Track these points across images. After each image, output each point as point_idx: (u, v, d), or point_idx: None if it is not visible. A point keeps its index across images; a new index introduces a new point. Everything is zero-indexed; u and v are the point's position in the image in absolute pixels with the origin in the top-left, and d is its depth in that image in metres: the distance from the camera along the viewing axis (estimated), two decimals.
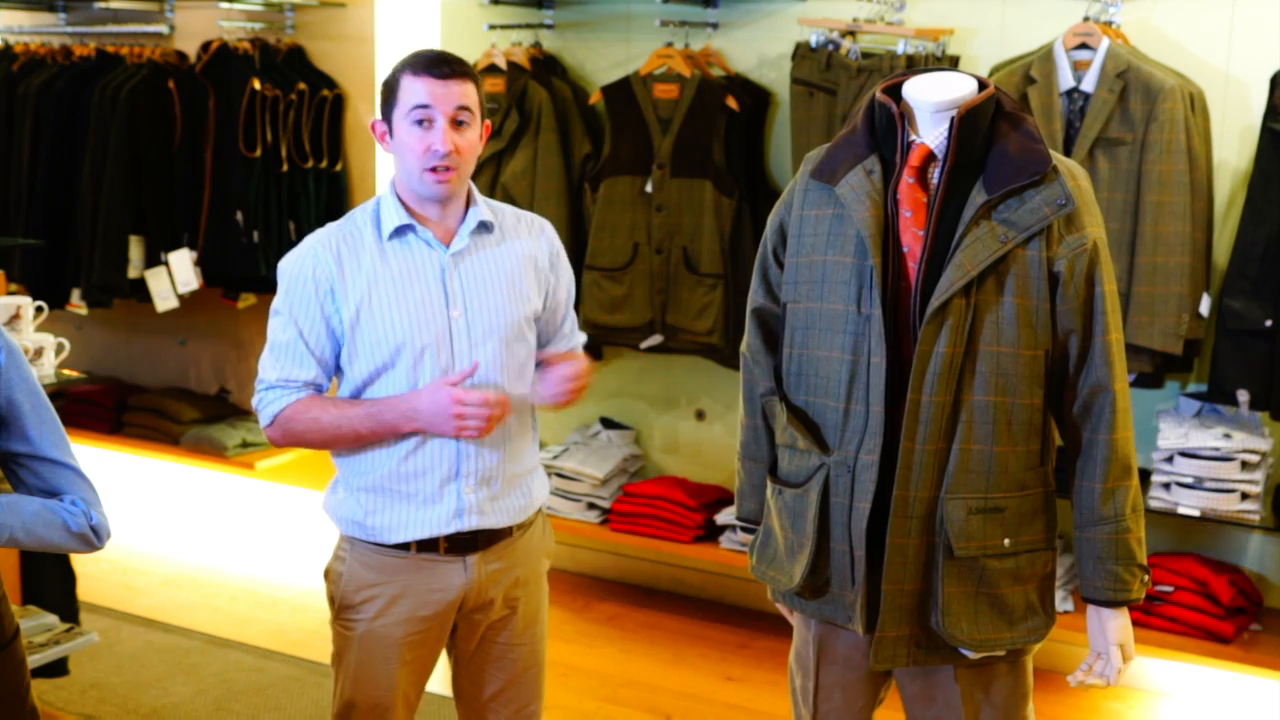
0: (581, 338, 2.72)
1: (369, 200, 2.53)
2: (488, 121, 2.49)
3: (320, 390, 2.49)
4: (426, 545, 2.48)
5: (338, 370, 2.51)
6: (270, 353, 2.47)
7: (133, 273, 5.08)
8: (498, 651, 2.62)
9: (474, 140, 2.43)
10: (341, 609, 2.54)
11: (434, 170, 2.39)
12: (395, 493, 2.46)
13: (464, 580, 2.50)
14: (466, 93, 2.39)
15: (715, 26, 4.46)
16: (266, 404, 2.47)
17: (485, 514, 2.49)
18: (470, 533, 2.50)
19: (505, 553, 2.55)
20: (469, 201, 2.50)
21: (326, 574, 2.59)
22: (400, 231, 2.45)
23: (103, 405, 5.49)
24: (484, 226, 2.50)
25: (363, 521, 2.49)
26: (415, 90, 2.37)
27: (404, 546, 2.48)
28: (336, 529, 2.57)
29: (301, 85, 4.95)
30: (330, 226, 2.51)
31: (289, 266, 2.46)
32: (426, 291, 2.44)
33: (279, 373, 2.46)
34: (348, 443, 2.46)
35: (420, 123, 2.37)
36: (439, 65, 2.38)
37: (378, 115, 2.47)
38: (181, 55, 5.21)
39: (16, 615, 2.19)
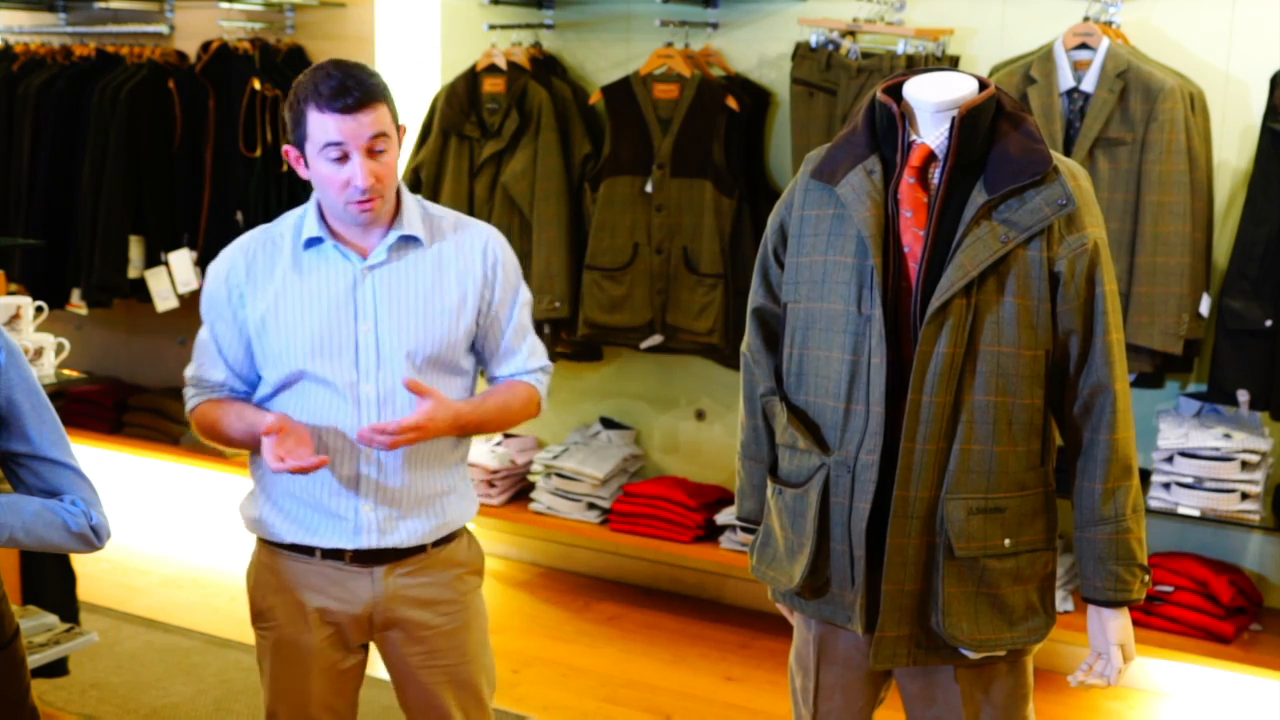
0: (535, 362, 2.57)
1: (305, 204, 2.47)
2: (403, 125, 2.40)
3: (234, 392, 2.47)
4: (331, 554, 2.45)
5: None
6: (194, 351, 2.51)
7: (133, 273, 5.08)
8: (431, 679, 2.53)
9: (393, 162, 2.35)
10: (255, 616, 2.52)
11: (357, 202, 2.32)
12: (297, 499, 2.44)
13: (371, 593, 2.46)
14: (378, 119, 2.28)
15: (715, 26, 4.46)
16: (186, 399, 2.52)
17: (386, 533, 2.43)
18: (374, 548, 2.45)
19: (418, 570, 2.49)
20: (396, 211, 2.42)
21: (246, 579, 2.56)
22: (315, 242, 2.40)
23: (103, 405, 5.49)
24: (407, 240, 2.42)
25: (264, 519, 2.47)
26: (325, 127, 2.27)
27: (309, 551, 2.45)
28: (245, 531, 2.54)
29: None
30: (258, 229, 2.49)
31: (211, 267, 2.48)
32: (335, 303, 2.38)
33: (195, 371, 2.50)
34: (243, 448, 2.50)
35: (337, 158, 2.29)
36: (344, 97, 2.26)
37: (286, 138, 2.37)
38: (181, 55, 5.21)
39: (16, 615, 2.19)
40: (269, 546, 2.50)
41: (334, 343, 2.38)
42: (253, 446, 2.45)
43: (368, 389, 2.39)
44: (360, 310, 2.38)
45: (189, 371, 2.50)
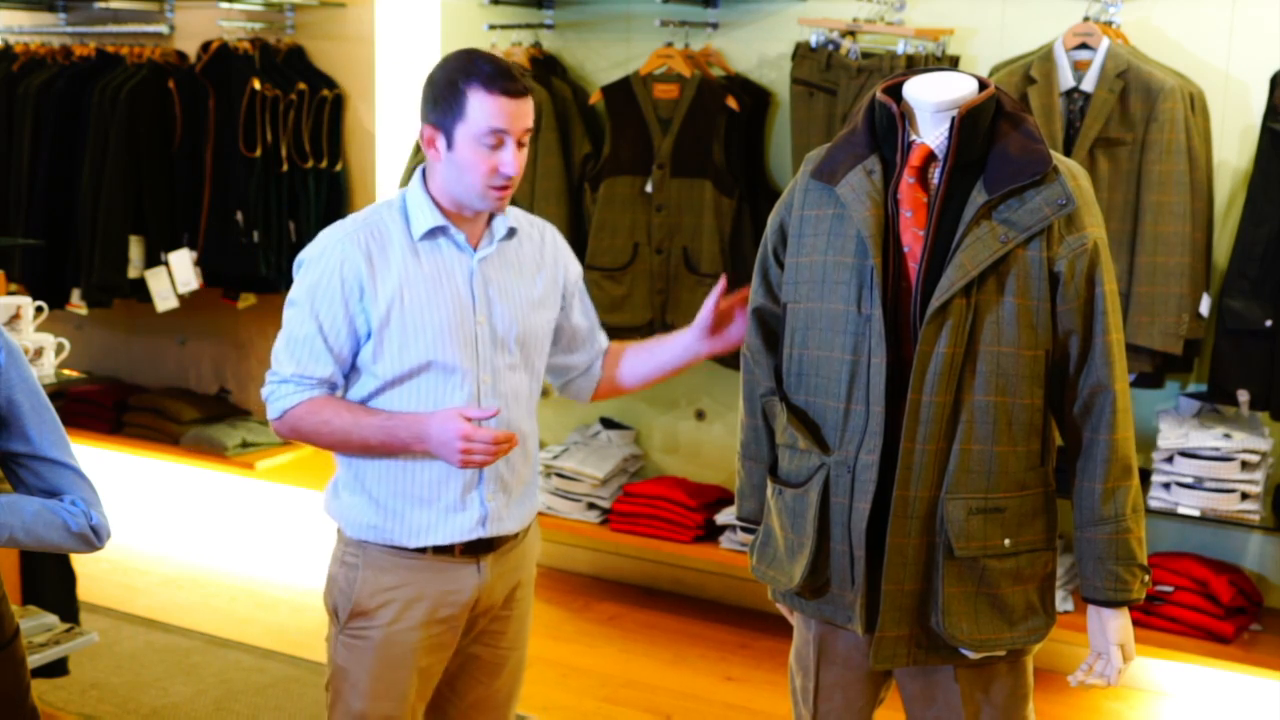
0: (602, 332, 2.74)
1: (391, 198, 2.45)
2: None
3: (334, 389, 2.40)
4: (443, 548, 2.44)
5: (353, 367, 2.41)
6: (287, 346, 2.38)
7: (133, 273, 5.08)
8: (493, 657, 2.58)
9: (526, 155, 2.39)
10: (353, 616, 2.45)
11: (498, 188, 2.34)
12: (415, 498, 2.41)
13: (478, 581, 2.47)
14: (532, 110, 2.34)
15: (715, 26, 4.46)
16: (279, 397, 2.38)
17: (502, 520, 2.47)
18: (497, 535, 2.48)
19: (512, 554, 2.53)
20: None
21: (331, 581, 2.50)
22: (433, 233, 2.39)
23: (103, 405, 5.49)
24: (510, 233, 2.47)
25: (380, 525, 2.42)
26: (489, 110, 2.28)
27: (420, 549, 2.43)
28: (343, 532, 2.49)
29: (301, 85, 4.94)
30: (354, 221, 2.41)
31: (316, 259, 2.37)
32: (456, 295, 2.39)
33: (295, 367, 2.36)
34: (354, 450, 2.40)
35: (493, 144, 2.30)
36: (512, 81, 2.28)
37: (424, 118, 2.34)
38: (181, 55, 5.22)
39: (16, 615, 2.19)
40: (373, 546, 2.45)
41: (460, 332, 2.38)
42: (373, 449, 2.37)
43: (485, 377, 2.42)
44: (477, 303, 2.41)
45: (285, 368, 2.36)
